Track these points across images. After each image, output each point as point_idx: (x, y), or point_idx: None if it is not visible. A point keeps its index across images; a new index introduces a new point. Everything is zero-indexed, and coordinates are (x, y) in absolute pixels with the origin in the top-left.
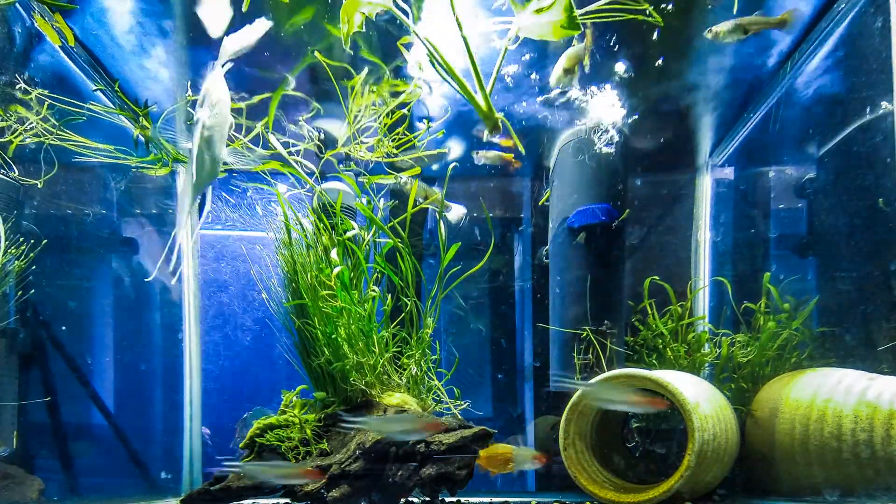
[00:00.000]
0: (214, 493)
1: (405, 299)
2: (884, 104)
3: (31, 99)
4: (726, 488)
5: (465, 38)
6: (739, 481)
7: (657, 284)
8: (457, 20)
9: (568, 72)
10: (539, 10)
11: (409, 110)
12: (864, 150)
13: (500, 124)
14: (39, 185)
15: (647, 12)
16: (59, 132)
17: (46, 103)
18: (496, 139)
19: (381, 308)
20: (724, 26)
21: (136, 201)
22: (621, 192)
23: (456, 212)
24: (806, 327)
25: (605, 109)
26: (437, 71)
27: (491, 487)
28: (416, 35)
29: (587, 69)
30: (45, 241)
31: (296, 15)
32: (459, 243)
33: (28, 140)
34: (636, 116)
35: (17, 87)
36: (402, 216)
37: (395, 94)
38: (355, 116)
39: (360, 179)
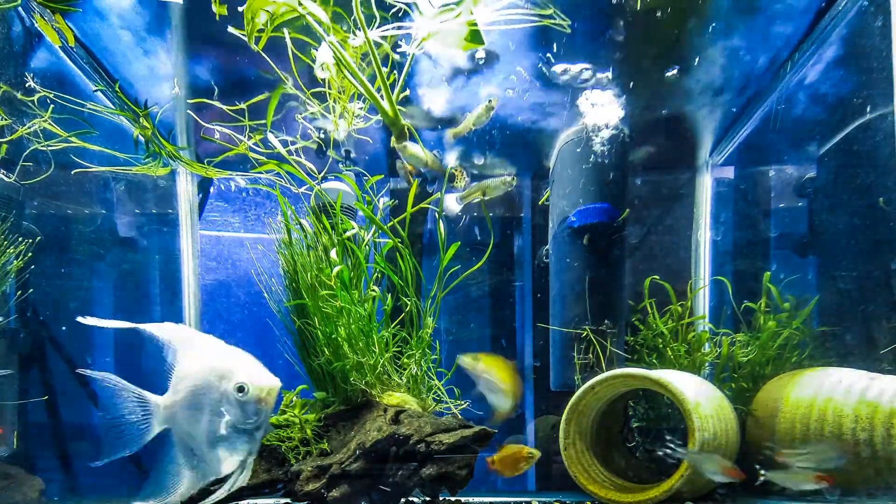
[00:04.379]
0: (215, 493)
1: (405, 299)
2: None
3: (34, 101)
4: (726, 487)
5: (369, 41)
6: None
7: (657, 284)
8: (361, 23)
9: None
10: (444, 21)
11: None
12: (865, 150)
13: (407, 131)
14: (19, 181)
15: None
16: (55, 129)
17: (51, 107)
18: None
19: (381, 308)
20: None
21: (136, 201)
22: (621, 191)
23: None
24: (806, 326)
25: (605, 109)
26: (344, 75)
27: (491, 487)
28: (324, 38)
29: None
30: (40, 238)
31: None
32: (459, 243)
33: (26, 141)
34: (636, 116)
35: (26, 86)
36: (402, 216)
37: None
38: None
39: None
